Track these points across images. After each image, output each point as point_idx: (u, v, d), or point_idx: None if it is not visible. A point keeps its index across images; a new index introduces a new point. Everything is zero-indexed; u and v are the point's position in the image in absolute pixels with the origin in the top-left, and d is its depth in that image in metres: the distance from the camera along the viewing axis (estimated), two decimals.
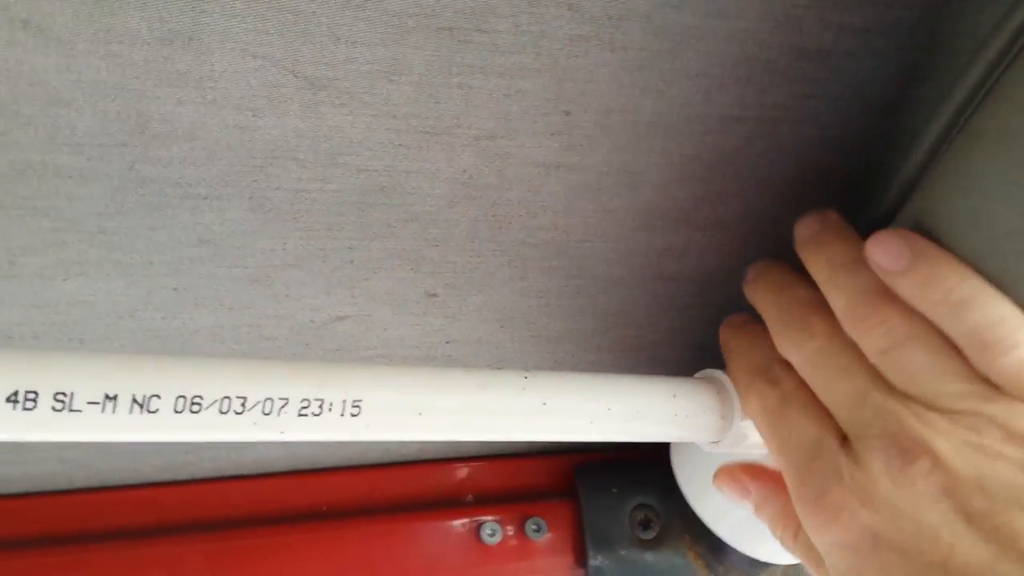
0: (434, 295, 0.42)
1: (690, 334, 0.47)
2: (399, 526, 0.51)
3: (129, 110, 0.31)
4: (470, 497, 0.53)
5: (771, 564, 0.49)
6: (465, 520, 0.51)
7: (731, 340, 0.36)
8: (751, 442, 0.34)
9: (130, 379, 0.27)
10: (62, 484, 0.50)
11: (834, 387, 0.29)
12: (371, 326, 0.43)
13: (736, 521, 0.43)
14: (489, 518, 0.51)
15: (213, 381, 0.27)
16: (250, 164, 0.34)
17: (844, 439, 0.29)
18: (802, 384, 0.31)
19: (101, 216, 0.34)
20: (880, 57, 0.35)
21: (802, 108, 0.36)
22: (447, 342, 0.45)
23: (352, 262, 0.39)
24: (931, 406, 0.27)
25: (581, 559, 0.51)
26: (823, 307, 0.31)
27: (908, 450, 0.26)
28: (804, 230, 0.33)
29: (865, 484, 0.27)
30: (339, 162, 0.34)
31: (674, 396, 0.34)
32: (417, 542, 0.51)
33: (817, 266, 0.31)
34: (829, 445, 0.29)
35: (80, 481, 0.50)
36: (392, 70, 0.31)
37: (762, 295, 0.34)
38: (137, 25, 0.29)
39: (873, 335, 0.28)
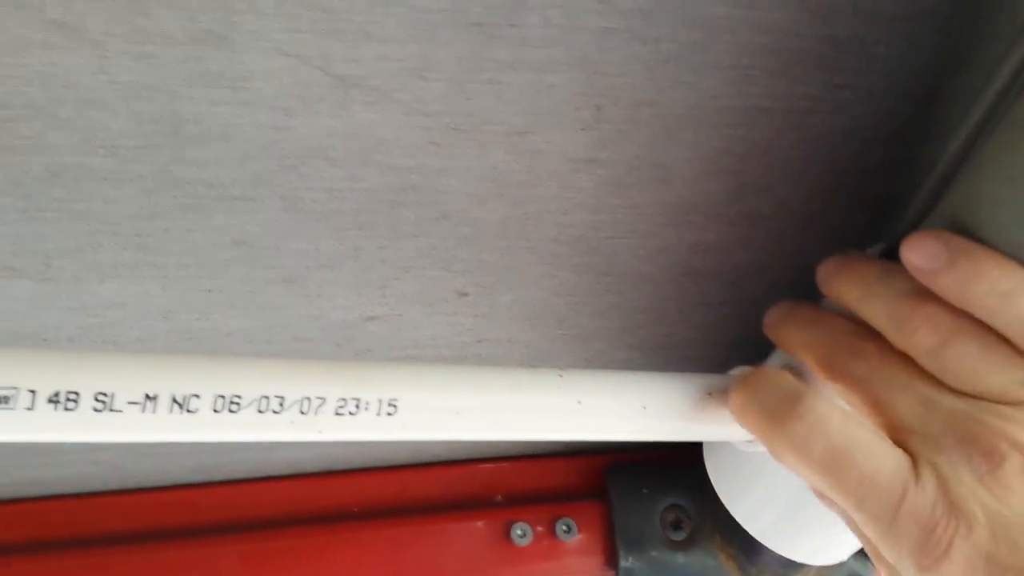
0: (465, 294, 0.42)
1: (721, 331, 0.47)
2: (429, 527, 0.51)
3: (163, 111, 0.31)
4: (500, 498, 0.53)
5: (805, 565, 0.48)
6: (495, 521, 0.51)
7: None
8: None
9: (170, 379, 0.27)
10: (96, 486, 0.51)
11: (897, 402, 0.28)
12: (402, 326, 0.43)
13: (773, 521, 0.43)
14: (519, 519, 0.51)
15: (251, 380, 0.27)
16: (283, 164, 0.34)
17: (915, 467, 0.27)
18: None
19: (136, 218, 0.35)
20: (915, 45, 0.34)
21: (835, 99, 0.35)
22: (478, 341, 0.45)
23: (383, 261, 0.39)
24: (1000, 399, 0.26)
25: (611, 560, 0.51)
26: (866, 330, 0.30)
27: (992, 451, 0.25)
28: (827, 265, 0.32)
29: (960, 504, 0.25)
30: (371, 160, 0.34)
31: (709, 394, 0.34)
32: (447, 543, 0.51)
33: (849, 287, 0.31)
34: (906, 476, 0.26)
35: (113, 483, 0.51)
36: (423, 67, 0.31)
37: (796, 333, 0.32)
38: (170, 25, 0.29)
39: (920, 335, 0.27)
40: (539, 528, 0.51)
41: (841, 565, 0.52)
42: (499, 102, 0.33)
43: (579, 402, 0.32)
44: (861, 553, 0.47)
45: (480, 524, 0.51)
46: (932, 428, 0.26)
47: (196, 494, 0.51)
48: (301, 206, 0.36)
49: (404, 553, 0.49)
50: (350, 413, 0.29)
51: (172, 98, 0.31)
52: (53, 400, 0.26)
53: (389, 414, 0.30)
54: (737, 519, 0.45)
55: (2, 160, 0.31)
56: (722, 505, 0.45)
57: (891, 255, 0.31)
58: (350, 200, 0.36)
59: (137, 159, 0.32)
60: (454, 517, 0.51)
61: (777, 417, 0.29)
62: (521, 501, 0.52)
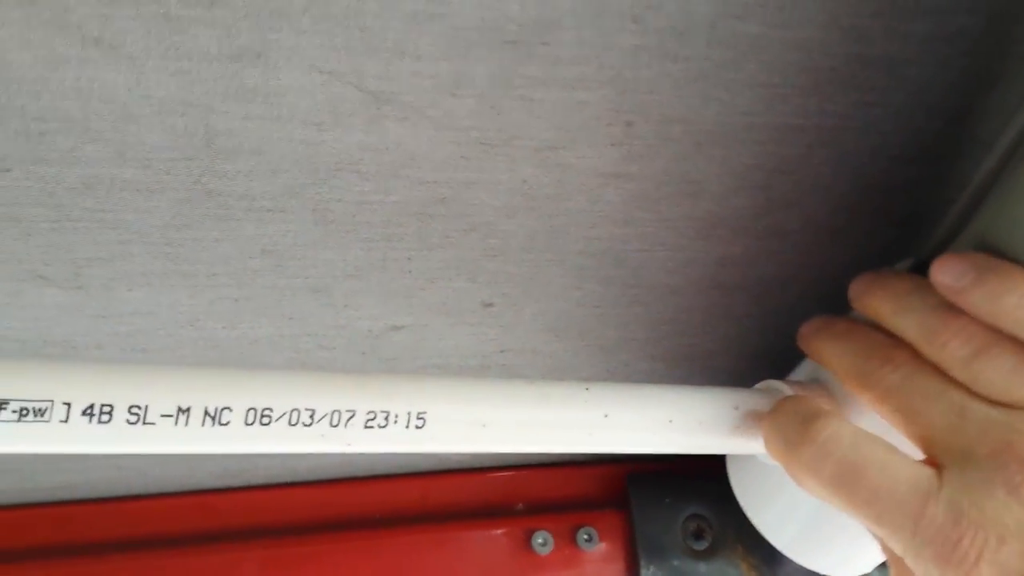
0: (490, 305, 0.42)
1: (745, 343, 0.47)
2: (450, 534, 0.51)
3: (197, 125, 0.31)
4: (521, 506, 0.53)
5: None
6: (516, 529, 0.51)
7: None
8: None
9: (203, 392, 0.27)
10: (120, 491, 0.51)
11: (930, 411, 0.28)
12: (427, 336, 0.43)
13: (796, 533, 0.43)
14: (540, 527, 0.51)
15: (282, 394, 0.28)
16: (314, 177, 0.34)
17: (939, 478, 0.26)
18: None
19: (167, 228, 0.35)
20: (945, 65, 0.34)
21: (865, 117, 0.35)
22: (501, 351, 0.45)
23: (410, 272, 0.39)
24: None
25: (632, 569, 0.51)
26: (898, 342, 0.30)
27: None
28: (859, 281, 0.33)
29: (990, 516, 0.25)
30: (401, 175, 0.34)
31: (735, 408, 0.34)
32: (468, 550, 0.51)
33: (881, 301, 0.31)
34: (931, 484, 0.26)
35: (137, 487, 0.51)
36: (455, 84, 0.31)
37: (829, 345, 0.33)
38: (207, 42, 0.29)
39: (952, 346, 0.28)
40: (560, 537, 0.51)
41: None
42: (530, 117, 0.33)
43: (605, 415, 0.32)
44: (885, 566, 0.47)
45: (501, 532, 0.51)
46: (965, 437, 0.26)
47: (219, 499, 0.51)
48: (330, 217, 0.36)
49: (424, 560, 0.49)
50: (379, 426, 0.29)
51: (207, 112, 0.31)
52: (87, 413, 0.26)
53: (418, 427, 0.30)
54: (761, 531, 0.45)
55: (37, 172, 0.32)
56: (745, 515, 0.45)
57: (920, 270, 0.31)
58: (379, 212, 0.36)
59: (170, 171, 0.33)
60: (475, 525, 0.51)
61: (791, 441, 0.30)
62: (542, 509, 0.52)
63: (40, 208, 0.33)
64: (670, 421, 0.33)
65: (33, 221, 0.33)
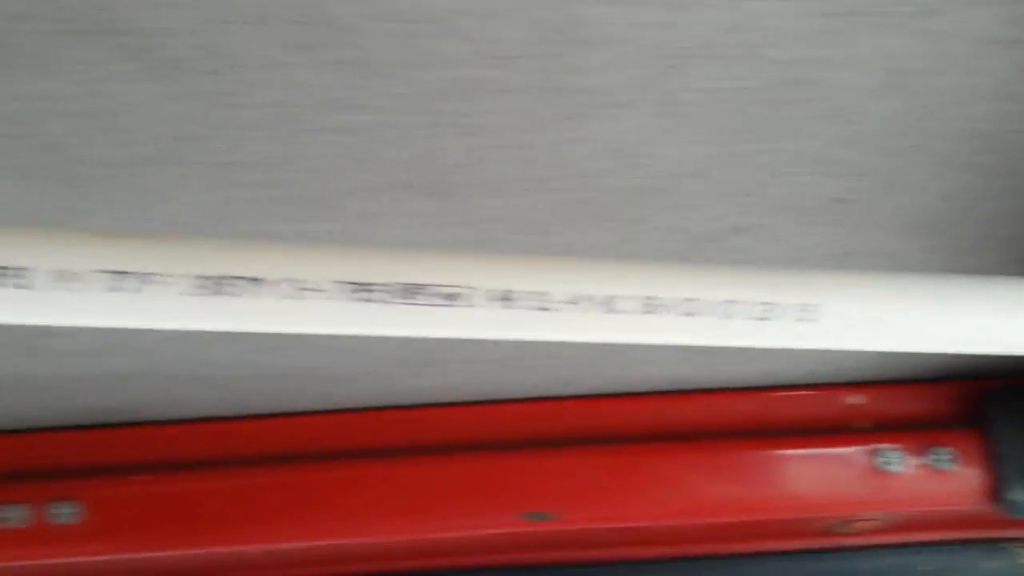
0: (841, 200, 0.39)
1: None
2: (791, 450, 0.49)
3: (558, 17, 0.31)
4: (867, 423, 0.50)
5: None
6: (862, 446, 0.48)
7: None
8: None
9: (597, 283, 0.27)
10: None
11: None
12: (767, 237, 0.41)
13: None
14: (889, 445, 0.48)
15: (673, 283, 0.27)
16: (664, 66, 0.33)
17: None
18: None
19: (519, 131, 0.36)
20: None
21: None
22: (845, 254, 0.43)
23: (756, 167, 0.37)
24: None
25: (995, 492, 0.47)
26: None
27: None
28: None
29: None
30: (757, 55, 0.33)
31: None
32: (810, 468, 0.49)
33: None
34: None
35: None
36: None
37: None
38: None
39: None
40: (911, 456, 0.48)
41: None
42: None
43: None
44: None
45: (846, 450, 0.48)
46: None
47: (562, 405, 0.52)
48: (678, 110, 0.35)
49: (765, 475, 0.48)
50: (765, 319, 0.28)
51: (569, 2, 0.31)
52: (496, 298, 0.27)
53: (808, 320, 0.28)
54: None
55: (411, 76, 0.33)
56: None
57: None
58: (729, 102, 0.35)
59: (526, 69, 0.33)
60: (818, 441, 0.49)
61: None
62: (890, 427, 0.49)
63: (410, 115, 0.35)
64: None
65: (406, 128, 0.35)
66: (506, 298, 0.26)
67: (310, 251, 0.26)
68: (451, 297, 0.26)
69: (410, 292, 0.25)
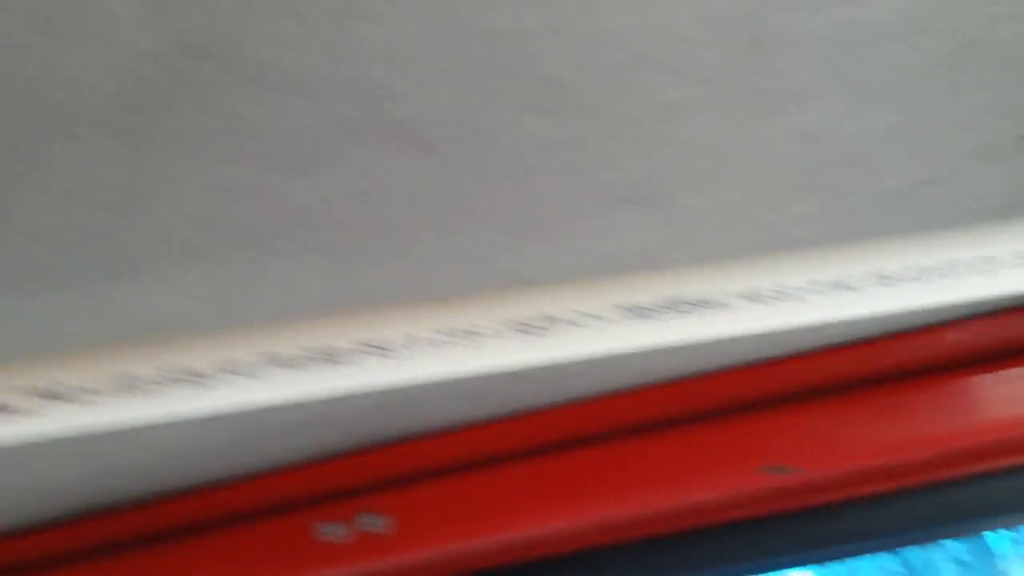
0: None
1: None
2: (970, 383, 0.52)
3: (744, 35, 0.35)
4: None
5: None
6: None
7: None
8: None
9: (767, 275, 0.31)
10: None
11: None
12: (956, 185, 0.44)
13: None
14: None
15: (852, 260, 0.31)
16: (849, 52, 0.36)
17: None
18: None
19: (716, 134, 0.40)
20: None
21: None
22: None
23: (939, 122, 0.40)
24: None
25: None
26: None
27: None
28: None
29: None
30: (930, 28, 0.36)
31: None
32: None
33: None
34: None
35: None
36: None
37: None
38: None
39: None
40: None
41: None
42: None
43: None
44: None
45: None
46: None
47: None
48: (860, 88, 0.38)
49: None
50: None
51: (751, 20, 0.35)
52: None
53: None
54: None
55: (621, 110, 0.38)
56: None
57: None
58: (908, 71, 0.38)
59: (721, 82, 0.37)
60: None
61: None
62: None
63: (619, 141, 0.40)
64: None
65: (613, 148, 0.40)
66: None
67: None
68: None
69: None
